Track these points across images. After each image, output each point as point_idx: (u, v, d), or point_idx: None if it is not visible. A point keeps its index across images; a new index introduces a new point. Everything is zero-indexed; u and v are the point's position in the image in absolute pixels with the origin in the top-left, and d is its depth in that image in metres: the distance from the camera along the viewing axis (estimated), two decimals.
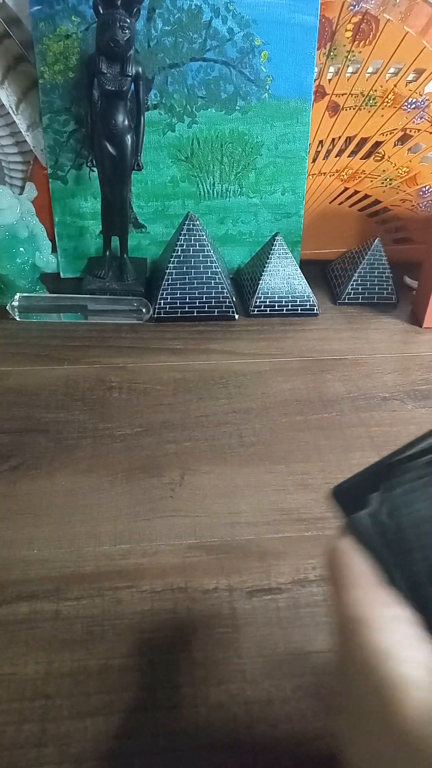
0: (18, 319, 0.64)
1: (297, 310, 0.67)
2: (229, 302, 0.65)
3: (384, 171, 0.70)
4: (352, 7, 0.60)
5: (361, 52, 0.62)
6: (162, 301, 0.64)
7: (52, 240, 0.68)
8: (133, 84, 0.58)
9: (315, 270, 0.73)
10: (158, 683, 0.34)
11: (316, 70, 0.63)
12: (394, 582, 0.23)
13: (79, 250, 0.70)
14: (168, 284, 0.64)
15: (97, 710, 0.33)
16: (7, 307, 0.64)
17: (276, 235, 0.65)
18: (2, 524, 0.43)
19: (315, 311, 0.67)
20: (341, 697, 0.23)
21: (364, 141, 0.68)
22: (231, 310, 0.65)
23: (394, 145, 0.68)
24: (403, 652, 0.20)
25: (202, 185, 0.68)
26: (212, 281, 0.64)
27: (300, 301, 0.66)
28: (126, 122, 0.59)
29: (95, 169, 0.62)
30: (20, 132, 0.65)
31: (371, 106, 0.65)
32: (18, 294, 0.64)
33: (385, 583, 0.23)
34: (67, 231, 0.69)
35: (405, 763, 0.19)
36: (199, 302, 0.65)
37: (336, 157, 0.69)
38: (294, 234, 0.72)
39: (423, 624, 0.21)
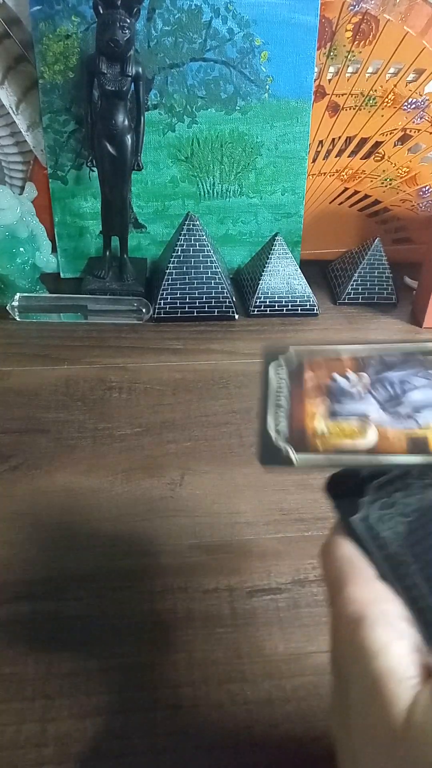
0: (18, 319, 0.64)
1: (297, 310, 0.67)
2: (229, 302, 0.65)
3: (384, 171, 0.70)
4: (352, 7, 0.60)
5: (361, 52, 0.62)
6: (162, 301, 0.64)
7: (52, 240, 0.68)
8: (133, 84, 0.58)
9: (315, 270, 0.73)
10: (158, 683, 0.34)
11: (316, 70, 0.63)
12: (387, 578, 0.23)
13: (79, 250, 0.70)
14: (168, 284, 0.64)
15: (97, 710, 0.33)
16: (7, 307, 0.64)
17: (276, 235, 0.65)
18: (2, 524, 0.43)
19: (315, 311, 0.67)
20: (333, 693, 0.23)
21: (364, 141, 0.68)
22: (231, 310, 0.65)
23: (394, 145, 0.68)
24: (394, 647, 0.20)
25: (202, 185, 0.68)
26: (212, 281, 0.64)
27: (300, 301, 0.66)
28: (126, 122, 0.59)
29: (95, 169, 0.62)
30: (20, 132, 0.65)
31: (371, 106, 0.65)
32: (18, 294, 0.64)
33: (379, 578, 0.23)
34: (67, 231, 0.69)
35: (396, 759, 0.19)
36: (199, 302, 0.65)
37: (336, 157, 0.69)
38: (294, 234, 0.72)
39: (421, 630, 0.21)
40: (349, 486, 0.26)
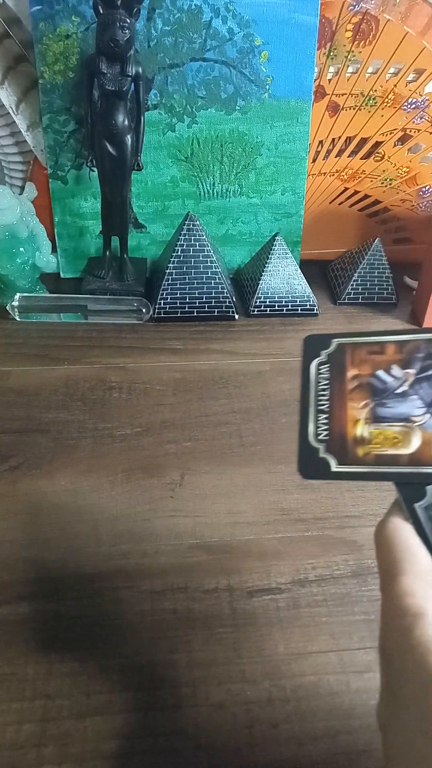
0: (18, 319, 0.64)
1: (297, 310, 0.67)
2: (229, 302, 0.65)
3: (384, 171, 0.70)
4: (352, 7, 0.60)
5: (361, 52, 0.62)
6: (162, 301, 0.64)
7: (52, 240, 0.68)
8: (133, 84, 0.58)
9: (315, 270, 0.73)
10: (158, 683, 0.34)
11: (316, 70, 0.63)
12: None
13: (79, 250, 0.70)
14: (168, 284, 0.64)
15: (97, 710, 0.33)
16: (7, 307, 0.64)
17: (276, 235, 0.65)
18: (2, 524, 0.43)
19: (315, 311, 0.67)
20: (383, 686, 0.22)
21: (364, 141, 0.68)
22: (231, 310, 0.65)
23: (394, 145, 0.68)
24: None
25: (202, 185, 0.68)
26: (212, 281, 0.64)
27: (300, 301, 0.66)
28: (126, 122, 0.59)
29: (95, 169, 0.62)
30: (20, 132, 0.65)
31: (371, 106, 0.65)
32: (18, 294, 0.64)
33: None
34: (67, 231, 0.69)
35: None
36: (199, 302, 0.65)
37: (336, 157, 0.69)
38: (294, 234, 0.72)
39: None
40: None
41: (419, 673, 0.20)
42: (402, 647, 0.21)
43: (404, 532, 0.23)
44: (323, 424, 0.26)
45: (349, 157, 0.69)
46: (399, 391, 0.25)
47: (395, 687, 0.21)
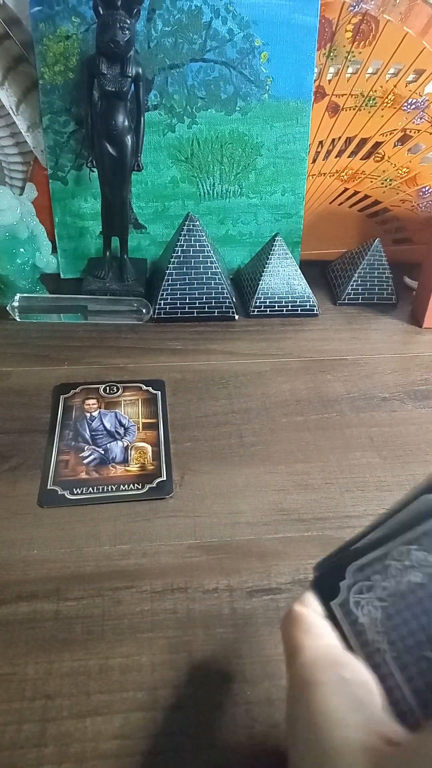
0: (18, 319, 0.64)
1: (297, 310, 0.67)
2: (229, 302, 0.65)
3: (384, 171, 0.70)
4: (352, 8, 0.60)
5: (361, 52, 0.62)
6: (162, 302, 0.64)
7: (53, 240, 0.68)
8: (133, 85, 0.58)
9: (315, 270, 0.73)
10: (158, 683, 0.34)
11: (316, 70, 0.63)
12: (351, 648, 0.22)
13: (79, 250, 0.71)
14: (168, 285, 0.64)
15: (97, 710, 0.33)
16: (7, 308, 0.64)
17: (276, 235, 0.65)
18: (2, 524, 0.43)
19: (315, 311, 0.67)
20: (291, 765, 0.22)
21: (364, 141, 0.68)
22: (231, 310, 0.65)
23: (394, 146, 0.68)
24: (350, 715, 0.20)
25: (202, 186, 0.68)
26: (212, 282, 0.64)
27: (300, 302, 0.66)
28: (126, 123, 0.59)
29: (95, 169, 0.62)
30: (20, 132, 0.65)
31: (371, 106, 0.65)
32: (18, 294, 0.64)
33: (343, 645, 0.22)
34: (67, 231, 0.69)
35: None
36: (199, 302, 0.65)
37: (336, 157, 0.69)
38: (294, 234, 0.72)
39: (397, 719, 0.21)
40: (332, 566, 0.25)
41: (316, 743, 0.20)
42: (300, 715, 0.21)
43: (305, 615, 0.23)
44: None
45: (349, 157, 0.69)
46: None
47: (299, 755, 0.21)
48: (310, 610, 0.24)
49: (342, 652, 0.22)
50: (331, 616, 0.24)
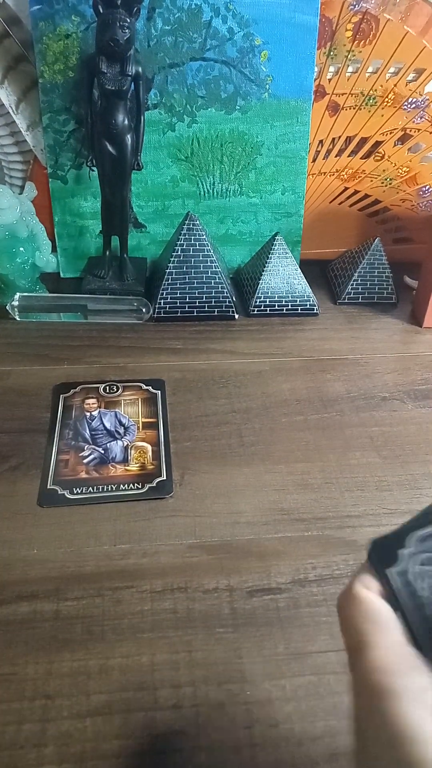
0: (18, 319, 0.64)
1: (297, 309, 0.67)
2: (229, 302, 0.65)
3: (384, 171, 0.70)
4: (352, 7, 0.60)
5: (361, 51, 0.62)
6: (162, 301, 0.64)
7: (52, 240, 0.68)
8: (133, 83, 0.58)
9: (315, 270, 0.73)
10: (158, 683, 0.34)
11: (316, 69, 0.63)
12: (422, 648, 0.20)
13: (79, 249, 0.70)
14: (168, 284, 0.64)
15: (97, 710, 0.33)
16: (7, 307, 0.64)
17: (276, 234, 0.65)
18: (2, 524, 0.43)
19: (315, 311, 0.67)
20: (357, 753, 0.21)
21: (364, 141, 0.68)
22: (231, 309, 0.65)
23: (394, 145, 0.68)
24: (428, 729, 0.18)
25: (202, 185, 0.68)
26: (212, 281, 0.64)
27: (300, 301, 0.66)
28: (126, 122, 0.59)
29: (95, 168, 0.62)
30: (20, 132, 0.65)
31: (371, 105, 0.65)
32: (18, 294, 0.64)
33: (412, 643, 0.20)
34: (67, 230, 0.69)
35: None
36: (199, 302, 0.65)
37: (336, 156, 0.69)
38: (294, 234, 0.72)
39: None
40: (389, 535, 0.23)
41: (393, 752, 0.18)
42: (374, 724, 0.19)
43: (370, 601, 0.21)
44: None
45: (349, 156, 0.69)
46: None
47: (369, 758, 0.20)
48: (373, 593, 0.22)
49: (413, 653, 0.20)
50: (386, 585, 0.22)
